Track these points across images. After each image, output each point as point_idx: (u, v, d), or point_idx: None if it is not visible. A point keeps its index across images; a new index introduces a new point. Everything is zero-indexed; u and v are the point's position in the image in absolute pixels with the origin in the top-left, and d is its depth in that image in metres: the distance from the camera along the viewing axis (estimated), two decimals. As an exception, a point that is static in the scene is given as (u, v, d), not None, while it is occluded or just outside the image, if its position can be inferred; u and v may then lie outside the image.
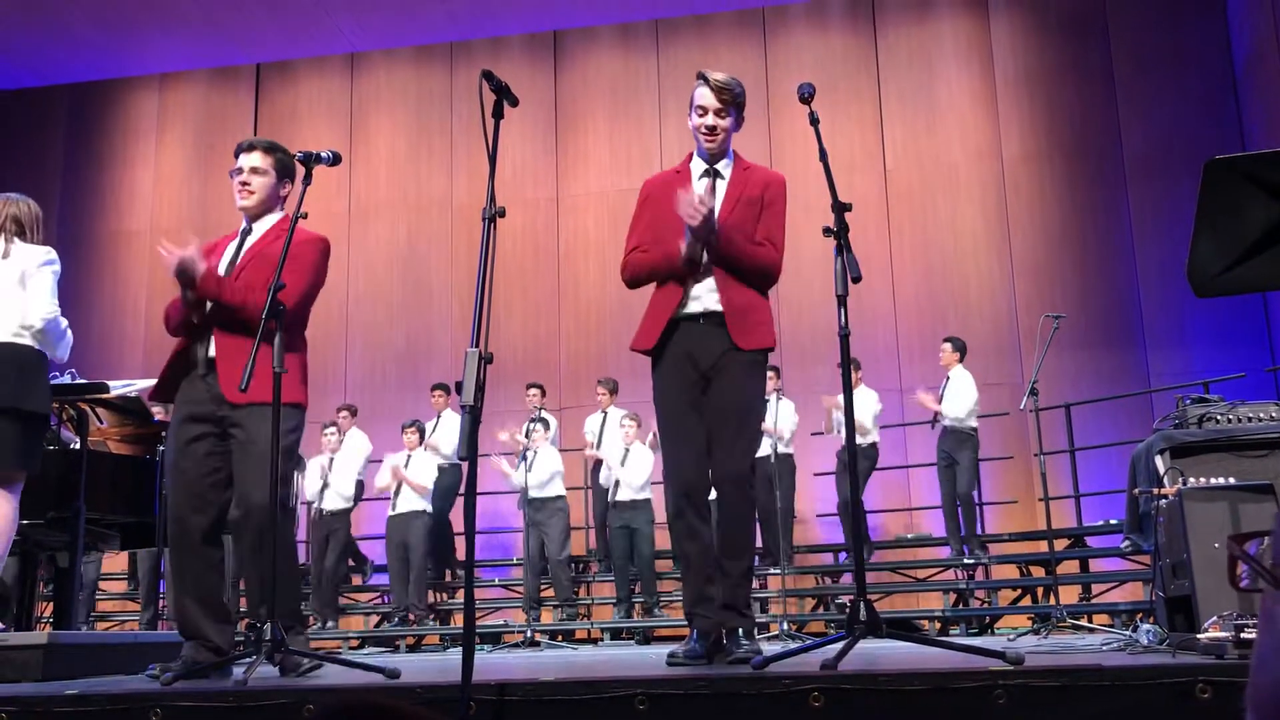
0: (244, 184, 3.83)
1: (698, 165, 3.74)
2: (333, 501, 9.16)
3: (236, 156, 3.88)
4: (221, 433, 3.62)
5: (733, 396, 3.47)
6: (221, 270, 3.72)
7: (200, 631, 3.56)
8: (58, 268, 4.21)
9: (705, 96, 3.64)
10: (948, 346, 8.96)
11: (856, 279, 3.11)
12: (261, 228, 3.86)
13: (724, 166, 3.71)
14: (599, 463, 9.43)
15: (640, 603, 8.96)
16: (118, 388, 4.91)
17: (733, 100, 3.64)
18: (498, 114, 2.83)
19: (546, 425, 9.18)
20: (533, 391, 9.82)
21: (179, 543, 3.61)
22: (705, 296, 3.53)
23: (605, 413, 9.63)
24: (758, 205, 3.60)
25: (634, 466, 8.90)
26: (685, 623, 3.59)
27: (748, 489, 3.49)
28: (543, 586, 9.20)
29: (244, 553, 3.61)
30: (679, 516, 3.50)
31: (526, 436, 8.87)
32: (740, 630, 3.42)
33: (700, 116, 3.65)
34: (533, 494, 8.69)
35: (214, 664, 3.45)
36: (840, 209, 3.18)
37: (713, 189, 3.63)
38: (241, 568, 3.89)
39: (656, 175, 3.85)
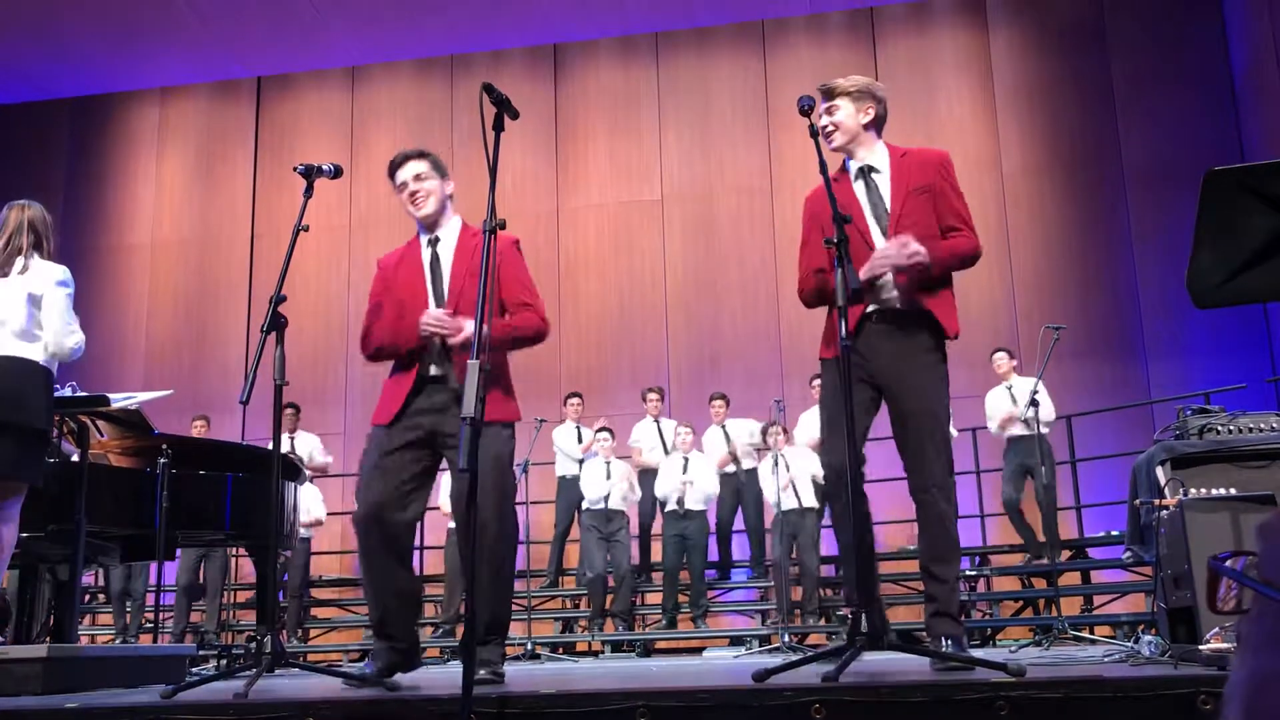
0: (414, 194, 3.81)
1: (851, 167, 3.64)
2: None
3: (392, 175, 3.87)
4: (431, 444, 3.65)
5: (914, 397, 3.41)
6: (429, 284, 3.72)
7: (397, 632, 3.66)
8: (72, 289, 4.20)
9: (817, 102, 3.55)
10: (1003, 355, 8.91)
11: (856, 289, 3.12)
12: (450, 234, 3.82)
13: (878, 160, 3.61)
14: (645, 471, 9.36)
15: (688, 613, 8.90)
16: (118, 400, 4.91)
17: (834, 93, 3.58)
18: (498, 127, 2.84)
19: (612, 435, 9.15)
20: (574, 400, 9.75)
21: (376, 551, 3.63)
22: (881, 291, 3.45)
23: (658, 420, 9.59)
24: (930, 191, 3.51)
25: (698, 477, 8.88)
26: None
27: (948, 491, 3.43)
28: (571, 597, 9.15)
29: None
30: (835, 500, 3.48)
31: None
32: (949, 640, 3.34)
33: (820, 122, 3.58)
34: (613, 506, 8.76)
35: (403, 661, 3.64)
36: (840, 221, 3.18)
37: (871, 185, 3.56)
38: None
39: (817, 189, 3.59)
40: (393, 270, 3.82)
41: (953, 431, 8.82)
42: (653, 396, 9.65)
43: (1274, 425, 3.78)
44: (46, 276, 4.13)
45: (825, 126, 3.59)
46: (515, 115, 2.90)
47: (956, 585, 3.46)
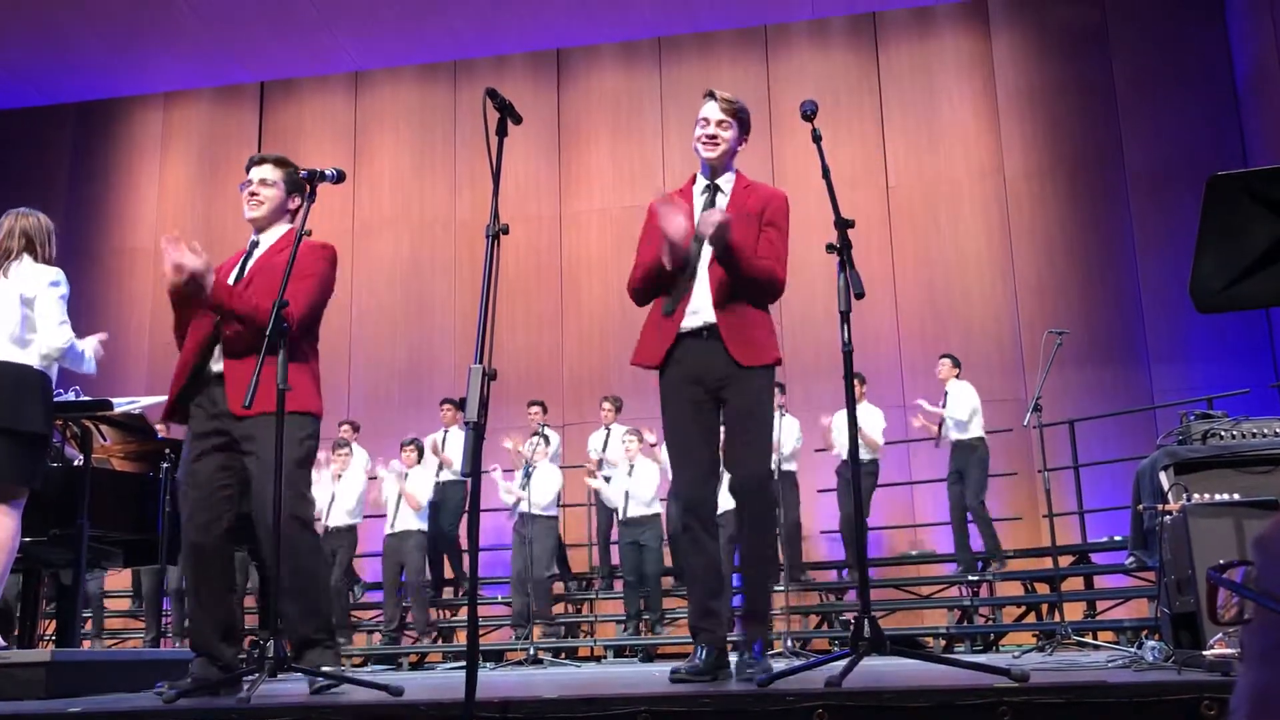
0: (253, 194, 3.86)
1: (700, 182, 3.77)
2: (338, 518, 9.14)
3: (247, 170, 3.91)
4: (231, 446, 3.62)
5: (742, 407, 3.45)
6: (230, 282, 3.74)
7: (210, 648, 3.57)
8: (65, 290, 4.20)
9: (709, 109, 3.72)
10: (946, 361, 9.03)
11: (859, 295, 3.12)
12: (269, 240, 3.87)
13: (724, 182, 3.74)
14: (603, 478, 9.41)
15: (646, 619, 8.92)
16: (121, 405, 4.91)
17: (734, 113, 3.69)
18: (501, 132, 2.84)
19: (548, 441, 9.17)
20: (534, 409, 9.80)
21: (193, 558, 3.61)
22: (705, 310, 3.52)
23: (609, 429, 9.63)
24: (757, 221, 3.59)
25: (640, 481, 8.88)
26: (689, 640, 3.57)
27: (767, 494, 3.49)
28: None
29: (268, 567, 3.62)
30: (684, 530, 3.49)
31: (531, 453, 8.84)
32: (759, 642, 3.38)
33: (702, 128, 3.72)
34: (533, 510, 8.66)
35: (221, 681, 3.45)
36: (843, 225, 3.19)
37: (712, 202, 3.65)
38: (263, 583, 3.92)
39: (662, 195, 3.85)
40: (221, 273, 3.83)
41: (878, 440, 8.90)
42: (607, 406, 9.74)
43: (1277, 430, 3.77)
44: (38, 278, 4.13)
45: (714, 138, 3.70)
46: (518, 120, 2.90)
47: (767, 587, 3.54)
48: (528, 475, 8.63)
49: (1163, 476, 3.83)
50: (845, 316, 3.13)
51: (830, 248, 3.20)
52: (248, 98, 12.70)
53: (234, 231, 12.29)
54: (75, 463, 5.02)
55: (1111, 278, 10.55)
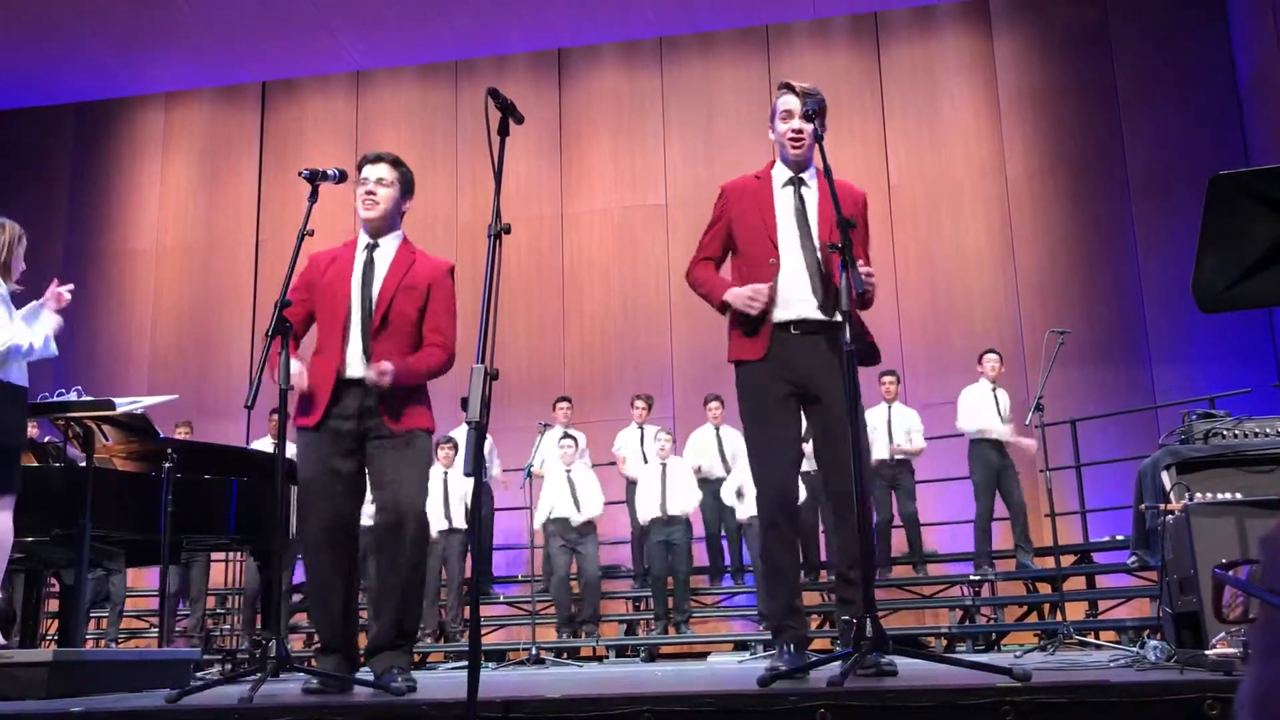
0: (369, 194, 3.80)
1: (780, 173, 3.67)
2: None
3: (360, 169, 3.85)
4: (362, 454, 3.67)
5: (839, 407, 3.41)
6: (356, 292, 3.70)
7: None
8: (3, 290, 4.18)
9: (790, 101, 3.61)
10: (994, 358, 8.87)
11: (860, 294, 3.12)
12: (389, 248, 3.81)
13: (809, 177, 3.66)
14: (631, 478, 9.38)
15: (672, 619, 8.89)
16: (123, 405, 4.92)
17: (816, 105, 3.59)
18: (503, 131, 2.85)
19: (576, 442, 9.13)
20: (563, 405, 9.72)
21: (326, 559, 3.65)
22: (798, 304, 3.50)
23: (641, 428, 9.59)
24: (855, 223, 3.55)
25: (677, 483, 8.88)
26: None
27: (868, 499, 3.46)
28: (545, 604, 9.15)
29: (383, 565, 3.65)
30: (773, 526, 3.47)
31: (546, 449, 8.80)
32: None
33: (785, 121, 3.61)
34: (579, 517, 8.71)
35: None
36: (844, 225, 3.19)
37: (800, 198, 3.60)
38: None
39: (734, 181, 3.76)
40: (322, 269, 3.79)
41: (921, 442, 8.81)
42: (640, 405, 9.66)
43: (1279, 429, 3.77)
44: None
45: (800, 132, 3.60)
46: (520, 120, 2.90)
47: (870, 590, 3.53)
48: (529, 475, 8.61)
49: (1165, 476, 3.83)
50: (847, 316, 3.13)
51: (833, 247, 3.20)
52: (249, 98, 12.70)
53: (235, 232, 12.30)
54: (78, 463, 5.03)
55: (1113, 277, 10.55)
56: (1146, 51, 10.87)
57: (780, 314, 3.50)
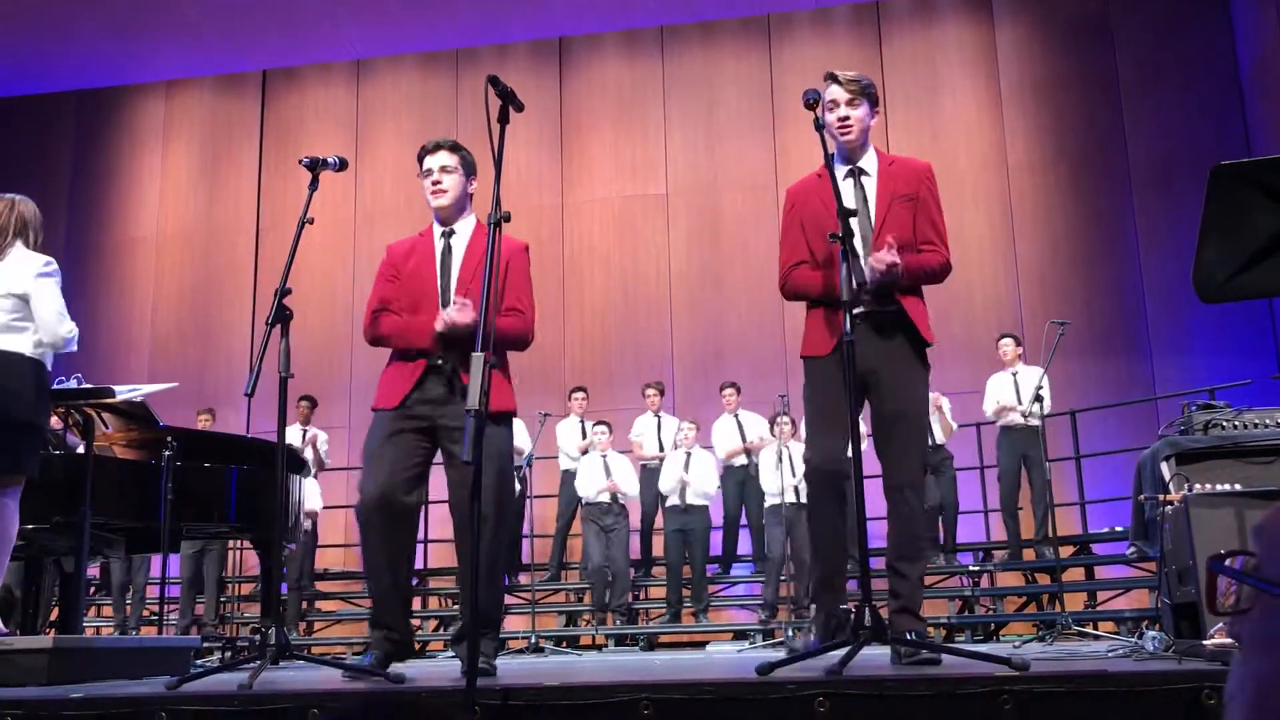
0: (436, 184, 3.82)
1: (839, 167, 3.63)
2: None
3: (421, 160, 3.88)
4: (434, 434, 3.67)
5: (900, 398, 3.47)
6: (439, 276, 3.74)
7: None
8: (58, 276, 4.16)
9: (834, 91, 3.61)
10: (1009, 341, 8.93)
11: (861, 284, 3.12)
12: (464, 232, 3.83)
13: (867, 163, 3.65)
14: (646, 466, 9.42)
15: (689, 608, 8.91)
16: (123, 393, 4.92)
17: (861, 90, 3.59)
18: (503, 119, 2.85)
19: (610, 429, 9.16)
20: (578, 395, 9.75)
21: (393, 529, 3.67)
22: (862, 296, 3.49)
23: (659, 415, 9.61)
24: (913, 202, 3.58)
25: (698, 473, 8.90)
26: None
27: (920, 491, 3.50)
28: (561, 591, 9.18)
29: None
30: (818, 498, 3.50)
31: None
32: (913, 635, 3.37)
33: (832, 111, 3.60)
34: (623, 500, 8.83)
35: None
36: (845, 215, 3.18)
37: (861, 187, 3.59)
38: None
39: (798, 182, 3.75)
40: (402, 258, 3.82)
41: (953, 425, 8.79)
42: (651, 392, 9.67)
43: (1279, 420, 3.77)
44: (28, 267, 4.07)
45: (846, 119, 3.59)
46: (520, 108, 2.89)
47: (920, 582, 3.54)
48: (528, 464, 8.63)
49: (1164, 467, 3.83)
50: (847, 306, 3.12)
51: (833, 237, 3.20)
52: (249, 87, 12.68)
53: (235, 221, 12.30)
54: (78, 450, 5.03)
55: (1114, 269, 10.54)
56: (1148, 43, 10.84)
57: (856, 305, 3.46)
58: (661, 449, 9.38)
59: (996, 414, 8.77)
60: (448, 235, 3.82)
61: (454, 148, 3.90)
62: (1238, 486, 3.53)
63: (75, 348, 4.22)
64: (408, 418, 3.63)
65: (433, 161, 3.85)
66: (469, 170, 3.90)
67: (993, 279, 10.71)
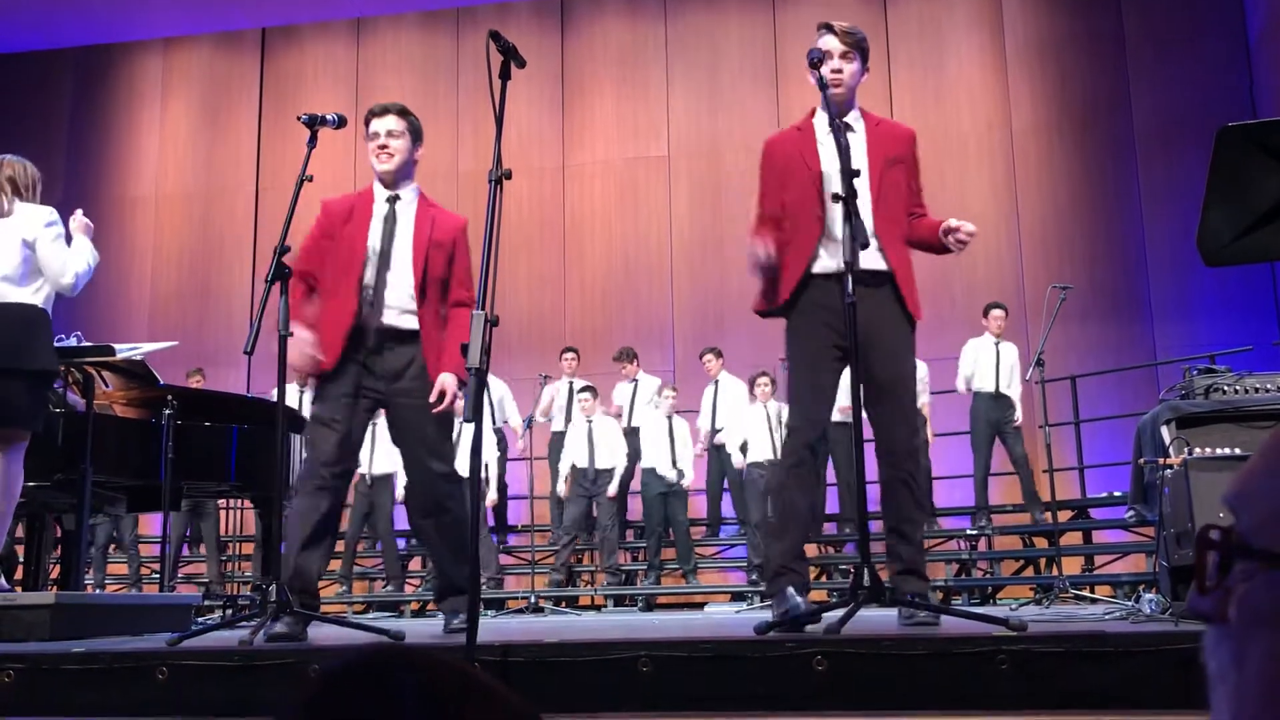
0: (382, 148, 3.82)
1: (822, 120, 3.54)
2: (381, 465, 8.97)
3: (369, 123, 3.87)
4: (378, 403, 3.78)
5: (894, 363, 3.41)
6: (376, 241, 3.73)
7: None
8: (61, 228, 4.23)
9: (829, 42, 3.53)
10: (999, 313, 8.85)
11: (864, 245, 3.10)
12: (408, 201, 3.83)
13: (854, 120, 3.59)
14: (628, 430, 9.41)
15: (677, 570, 8.93)
16: (123, 351, 4.92)
17: (855, 44, 3.53)
18: (504, 75, 2.82)
19: (594, 392, 9.15)
20: (568, 356, 9.68)
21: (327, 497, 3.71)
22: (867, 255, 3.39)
23: (636, 381, 9.59)
24: (903, 164, 3.55)
25: (681, 438, 8.91)
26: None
27: (916, 455, 3.47)
28: (552, 552, 9.21)
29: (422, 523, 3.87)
30: (799, 465, 3.42)
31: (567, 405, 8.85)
32: (917, 596, 3.35)
33: (825, 62, 3.52)
34: (600, 465, 8.77)
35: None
36: (848, 175, 3.16)
37: (845, 143, 3.55)
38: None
39: (776, 134, 3.70)
40: (340, 219, 3.79)
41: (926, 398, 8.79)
42: (624, 362, 9.65)
43: (1280, 385, 3.77)
44: (34, 219, 4.14)
45: (839, 71, 3.52)
46: (522, 64, 2.86)
47: (921, 544, 3.52)
48: (529, 425, 8.64)
49: (1164, 431, 3.83)
50: (850, 267, 3.09)
51: (835, 197, 3.18)
52: (249, 44, 12.58)
53: (234, 179, 12.24)
54: (78, 409, 5.03)
55: (1117, 233, 10.50)
56: (1154, 5, 10.73)
57: (826, 265, 3.42)
58: (632, 418, 9.35)
59: (968, 388, 8.75)
60: (392, 201, 3.82)
61: (402, 112, 3.89)
62: (1238, 451, 3.53)
63: (79, 288, 4.27)
64: (356, 384, 3.74)
65: (380, 125, 3.85)
66: (416, 136, 3.90)
67: (995, 242, 10.66)
